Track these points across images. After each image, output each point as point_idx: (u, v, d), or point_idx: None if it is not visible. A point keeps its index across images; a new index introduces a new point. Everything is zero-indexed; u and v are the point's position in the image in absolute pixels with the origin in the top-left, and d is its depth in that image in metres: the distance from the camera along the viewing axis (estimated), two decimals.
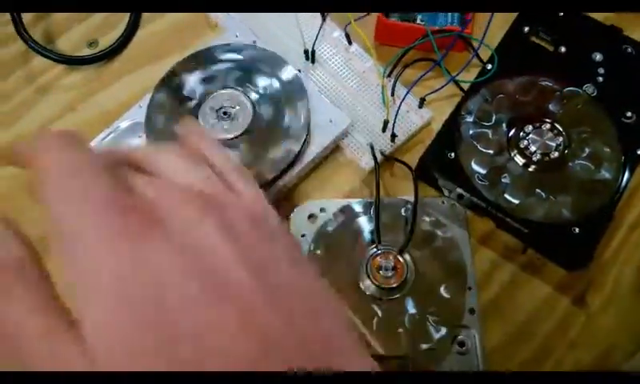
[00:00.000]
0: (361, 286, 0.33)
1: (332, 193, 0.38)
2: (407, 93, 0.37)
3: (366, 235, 0.35)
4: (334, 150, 0.39)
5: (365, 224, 0.36)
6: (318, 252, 0.35)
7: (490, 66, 0.38)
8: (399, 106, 0.37)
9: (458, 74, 0.37)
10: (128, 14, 0.43)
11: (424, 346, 0.32)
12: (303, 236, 0.35)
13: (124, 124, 0.38)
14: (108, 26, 0.44)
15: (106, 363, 0.17)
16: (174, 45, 0.42)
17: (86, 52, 0.43)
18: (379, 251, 0.34)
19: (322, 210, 0.36)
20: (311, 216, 0.36)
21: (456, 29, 0.39)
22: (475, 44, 0.39)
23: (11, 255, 0.19)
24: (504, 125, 0.37)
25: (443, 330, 0.32)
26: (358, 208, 0.36)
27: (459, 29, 0.39)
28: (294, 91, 0.37)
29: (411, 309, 0.33)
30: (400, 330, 0.32)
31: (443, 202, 0.36)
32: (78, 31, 0.44)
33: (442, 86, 0.37)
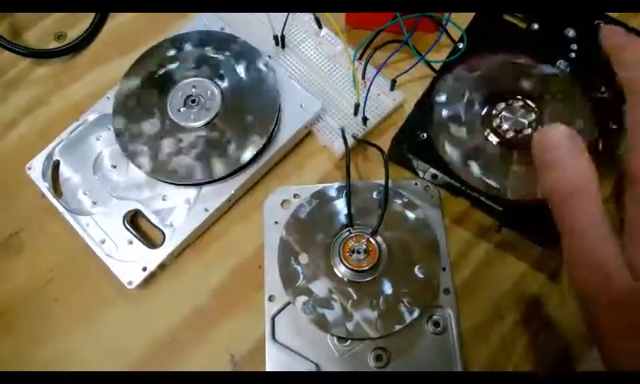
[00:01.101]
0: (334, 269, 0.33)
1: (306, 178, 0.37)
2: (376, 74, 0.36)
3: (340, 219, 0.35)
4: (306, 134, 0.38)
5: (338, 208, 0.35)
6: (291, 238, 0.34)
7: (460, 45, 0.38)
8: (369, 89, 0.36)
9: (427, 54, 0.37)
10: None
11: (398, 327, 0.32)
12: (276, 223, 0.35)
13: (92, 116, 0.38)
14: (75, 18, 0.43)
15: None
16: (143, 36, 0.41)
17: (54, 45, 0.42)
18: (351, 234, 0.34)
19: (295, 195, 0.36)
20: (284, 202, 0.36)
21: None
22: (445, 23, 0.39)
23: None
24: (476, 103, 0.37)
25: (417, 311, 0.32)
26: (331, 192, 0.36)
27: None
28: (263, 77, 0.37)
29: (386, 290, 0.33)
30: (375, 311, 0.32)
31: (416, 184, 0.36)
32: (44, 24, 0.43)
33: (412, 67, 0.37)
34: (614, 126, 0.36)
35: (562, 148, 0.27)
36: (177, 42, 0.39)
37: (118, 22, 0.43)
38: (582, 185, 0.26)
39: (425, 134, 0.36)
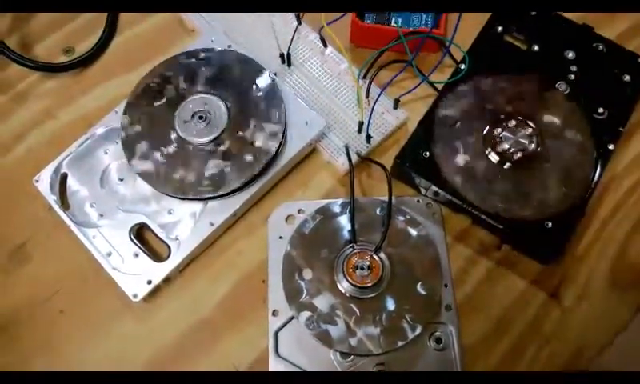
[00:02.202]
0: (338, 285, 0.34)
1: (310, 194, 0.38)
2: (380, 94, 0.37)
3: (344, 235, 0.35)
4: (311, 151, 0.39)
5: (342, 224, 0.36)
6: (296, 253, 0.35)
7: (462, 66, 0.39)
8: (372, 107, 0.37)
9: (430, 74, 0.37)
10: (105, 20, 0.43)
11: (401, 343, 0.32)
12: (281, 238, 0.36)
13: (100, 130, 0.38)
14: (84, 32, 0.44)
15: None
16: (151, 51, 0.42)
17: (63, 59, 0.43)
18: (355, 251, 0.34)
19: (299, 211, 0.37)
20: (289, 217, 0.36)
21: (426, 30, 0.40)
22: (448, 45, 0.40)
23: None
24: (478, 123, 0.38)
25: (420, 327, 0.33)
26: (335, 208, 0.36)
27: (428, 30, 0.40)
28: (269, 94, 0.38)
29: (388, 306, 0.33)
30: (377, 327, 0.33)
31: (419, 201, 0.37)
32: (54, 38, 0.44)
33: (415, 87, 0.38)
34: (611, 147, 0.37)
35: None
36: (184, 59, 0.39)
37: (126, 37, 0.44)
38: None
39: (427, 153, 0.36)
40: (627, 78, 0.39)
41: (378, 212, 0.36)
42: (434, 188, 0.36)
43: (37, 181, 0.37)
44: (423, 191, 0.37)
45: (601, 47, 0.40)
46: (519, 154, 0.36)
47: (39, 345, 0.34)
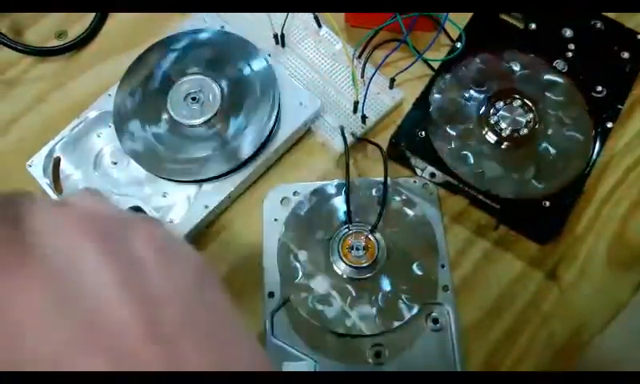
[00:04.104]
0: (334, 266, 0.33)
1: (306, 175, 0.38)
2: (374, 73, 0.36)
3: (339, 216, 0.35)
4: (306, 132, 0.38)
5: (338, 205, 0.36)
6: (291, 235, 0.35)
7: (458, 45, 0.38)
8: (367, 87, 0.37)
9: (425, 52, 0.37)
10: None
11: (397, 324, 0.32)
12: (276, 220, 0.35)
13: (93, 114, 0.38)
14: (76, 16, 0.43)
15: None
16: (143, 33, 0.41)
17: (55, 43, 0.42)
18: (350, 231, 0.34)
19: (295, 193, 0.36)
20: (284, 199, 0.36)
21: None
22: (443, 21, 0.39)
23: None
24: (474, 102, 0.37)
25: (417, 307, 0.32)
26: (330, 190, 0.36)
27: None
28: (263, 75, 0.37)
29: (384, 287, 0.33)
30: (374, 308, 0.32)
31: (415, 181, 0.36)
32: (46, 23, 0.43)
33: (410, 65, 0.37)
34: (610, 125, 0.36)
35: None
36: (177, 40, 0.39)
37: (119, 20, 0.43)
38: None
39: (423, 132, 0.36)
40: (626, 55, 0.39)
41: (374, 193, 0.36)
42: (430, 168, 0.35)
43: (30, 165, 0.37)
44: (419, 172, 0.37)
45: (599, 25, 0.40)
46: (516, 133, 0.36)
47: None
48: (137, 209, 0.36)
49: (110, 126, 0.37)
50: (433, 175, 0.36)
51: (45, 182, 0.36)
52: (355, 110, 0.38)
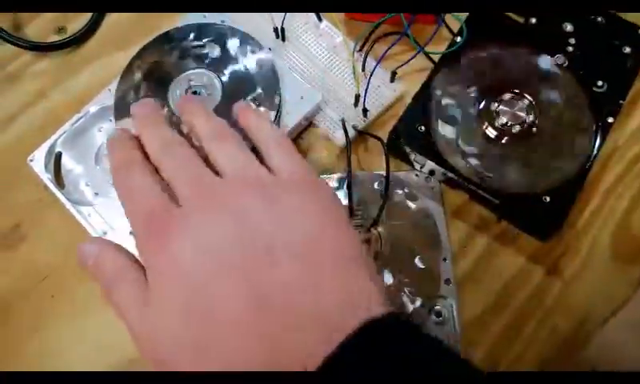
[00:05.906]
0: None
1: None
2: (376, 66, 0.36)
3: None
4: (307, 126, 0.38)
5: (340, 199, 0.35)
6: None
7: (459, 38, 0.38)
8: (369, 80, 0.36)
9: (425, 45, 0.37)
10: None
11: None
12: None
13: (93, 108, 0.38)
14: None
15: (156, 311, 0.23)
16: (144, 27, 0.41)
17: (55, 38, 0.42)
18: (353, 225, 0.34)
19: None
20: None
21: None
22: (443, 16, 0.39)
23: None
24: (475, 96, 0.37)
25: (420, 300, 0.32)
26: (332, 183, 0.36)
27: None
28: (263, 69, 0.37)
29: (386, 280, 0.33)
30: None
31: (417, 176, 0.36)
32: (45, 18, 0.43)
33: (411, 58, 0.37)
34: (611, 119, 0.36)
35: None
36: (177, 34, 0.39)
37: (119, 14, 0.43)
38: None
39: (423, 127, 0.36)
40: (627, 49, 0.38)
41: (375, 186, 0.36)
42: (430, 164, 0.35)
43: (31, 160, 0.37)
44: (418, 166, 0.36)
45: (600, 19, 0.40)
46: (517, 128, 0.36)
47: (33, 325, 0.34)
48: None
49: (110, 121, 0.37)
50: (432, 172, 0.36)
51: (46, 177, 0.36)
52: (356, 104, 0.38)
